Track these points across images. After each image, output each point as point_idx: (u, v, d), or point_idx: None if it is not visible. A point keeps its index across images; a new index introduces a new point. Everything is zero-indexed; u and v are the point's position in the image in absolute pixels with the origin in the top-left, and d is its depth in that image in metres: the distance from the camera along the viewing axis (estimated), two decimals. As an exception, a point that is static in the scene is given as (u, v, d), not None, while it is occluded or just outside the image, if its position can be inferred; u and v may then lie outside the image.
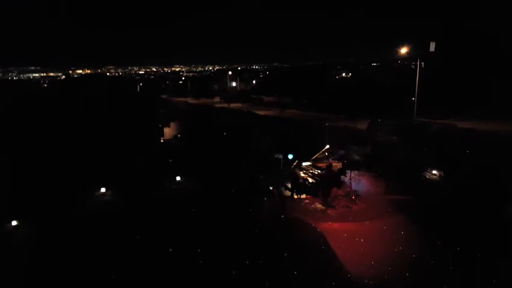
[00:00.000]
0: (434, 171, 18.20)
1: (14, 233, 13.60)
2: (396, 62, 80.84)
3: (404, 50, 37.38)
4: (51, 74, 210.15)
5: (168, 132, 32.29)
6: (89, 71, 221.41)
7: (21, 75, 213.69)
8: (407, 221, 13.73)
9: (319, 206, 15.47)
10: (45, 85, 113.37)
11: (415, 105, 33.56)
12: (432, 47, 41.92)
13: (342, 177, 16.60)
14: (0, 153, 23.39)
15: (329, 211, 15.02)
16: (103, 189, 17.24)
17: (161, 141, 30.20)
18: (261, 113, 45.56)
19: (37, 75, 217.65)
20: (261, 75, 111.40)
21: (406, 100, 36.27)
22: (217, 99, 67.58)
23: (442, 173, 17.95)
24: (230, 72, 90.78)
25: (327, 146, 18.19)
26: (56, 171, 20.11)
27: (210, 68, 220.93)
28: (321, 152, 18.08)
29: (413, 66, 46.23)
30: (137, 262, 11.30)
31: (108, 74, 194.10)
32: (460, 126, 27.47)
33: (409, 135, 24.30)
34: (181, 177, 18.84)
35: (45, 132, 30.30)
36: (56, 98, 55.48)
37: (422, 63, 36.69)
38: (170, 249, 12.00)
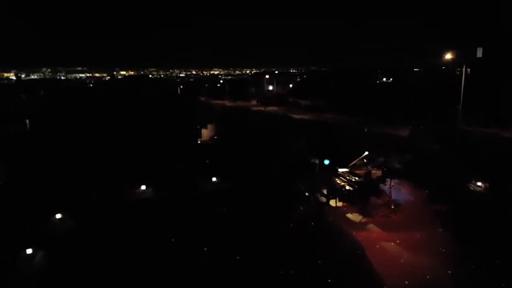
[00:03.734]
0: (479, 183, 17.37)
1: (58, 226, 14.25)
2: (439, 68, 78.04)
3: (448, 56, 36.12)
4: (97, 75, 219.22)
5: (205, 133, 32.76)
6: (132, 73, 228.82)
7: (69, 75, 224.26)
8: (448, 233, 13.23)
9: (356, 214, 15.17)
10: (91, 85, 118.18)
11: (459, 113, 32.31)
12: (479, 52, 40.21)
13: (381, 185, 16.19)
14: (50, 150, 24.66)
15: (366, 220, 14.69)
16: (143, 187, 17.76)
17: (199, 142, 30.71)
18: (297, 116, 45.32)
19: (83, 75, 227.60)
20: (298, 79, 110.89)
21: (450, 107, 34.96)
22: (253, 102, 67.80)
23: (487, 185, 17.11)
24: (267, 76, 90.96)
25: (366, 153, 17.78)
26: (100, 168, 20.93)
27: (248, 72, 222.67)
28: (359, 158, 17.70)
29: (458, 72, 44.52)
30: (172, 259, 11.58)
31: (150, 76, 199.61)
32: (506, 136, 26.14)
33: (453, 144, 23.41)
34: (217, 178, 19.08)
35: (93, 131, 31.64)
36: (102, 98, 57.72)
37: (468, 69, 35.25)
38: (205, 249, 12.19)
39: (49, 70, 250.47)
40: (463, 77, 33.14)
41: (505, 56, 38.56)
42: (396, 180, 16.70)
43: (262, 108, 56.60)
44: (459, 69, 43.38)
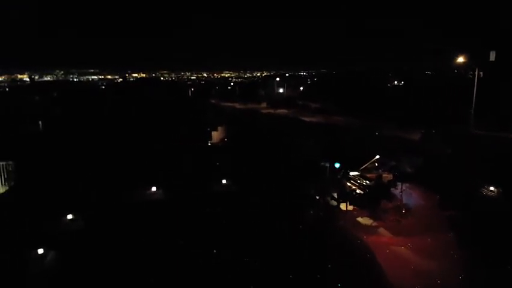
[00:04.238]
0: (492, 188, 17.14)
1: (69, 226, 14.40)
2: (451, 71, 77.33)
3: (460, 59, 35.78)
4: (109, 77, 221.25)
5: (216, 135, 32.85)
6: (144, 75, 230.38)
7: (81, 77, 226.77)
8: (459, 238, 13.07)
9: (367, 218, 15.07)
10: (103, 87, 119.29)
11: (472, 117, 31.95)
12: (492, 56, 39.69)
13: (392, 189, 16.08)
14: (60, 151, 24.96)
15: (376, 224, 14.58)
16: (153, 188, 17.89)
17: (209, 144, 30.81)
18: (307, 119, 45.26)
19: (96, 77, 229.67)
20: (309, 81, 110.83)
21: (462, 110, 34.60)
22: (263, 104, 67.89)
23: (500, 190, 16.87)
24: (278, 79, 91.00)
25: (377, 156, 17.70)
26: (111, 168, 21.11)
27: (258, 74, 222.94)
28: (370, 162, 17.61)
29: (471, 76, 44.07)
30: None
31: (162, 78, 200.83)
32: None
33: (465, 148, 23.14)
34: (226, 180, 19.12)
35: (105, 132, 31.98)
36: (114, 100, 58.29)
37: (481, 73, 34.84)
38: (215, 251, 12.23)
39: (62, 72, 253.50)
40: (476, 81, 32.76)
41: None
42: (407, 184, 16.57)
43: (272, 111, 56.63)
44: (471, 72, 42.95)
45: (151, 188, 17.88)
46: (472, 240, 12.78)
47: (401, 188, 15.84)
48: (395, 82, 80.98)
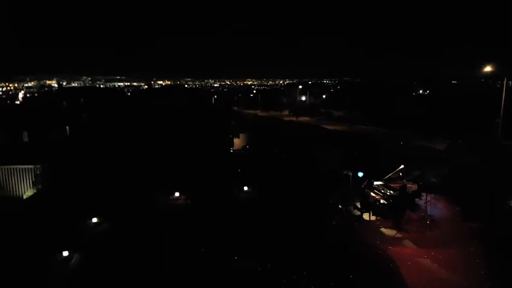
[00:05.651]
0: None
1: (94, 229, 14.74)
2: (479, 80, 75.59)
3: (488, 68, 34.90)
4: (135, 84, 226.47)
5: (238, 142, 33.07)
6: (169, 82, 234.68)
7: (108, 84, 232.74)
8: (485, 251, 12.69)
9: (390, 228, 14.83)
10: (129, 93, 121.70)
11: (499, 126, 31.05)
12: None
13: (416, 199, 15.77)
14: (86, 155, 25.56)
15: (400, 235, 14.31)
16: (176, 194, 18.13)
17: (231, 151, 31.00)
18: (330, 127, 45.07)
19: (122, 84, 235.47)
20: (332, 90, 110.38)
21: (489, 120, 33.75)
22: (285, 112, 68.10)
23: None
24: (300, 86, 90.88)
25: (402, 166, 17.40)
26: (135, 173, 21.49)
27: (281, 82, 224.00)
28: (394, 171, 17.33)
29: (499, 85, 42.95)
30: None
31: (186, 85, 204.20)
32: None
33: (492, 158, 22.52)
34: (248, 187, 19.20)
35: (127, 137, 32.54)
36: (138, 106, 59.26)
37: (510, 82, 33.87)
38: (236, 257, 12.28)
39: (89, 78, 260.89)
40: (504, 90, 31.87)
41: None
42: (432, 195, 16.22)
43: (294, 118, 56.62)
44: (499, 81, 41.88)
45: (174, 193, 18.15)
46: (498, 253, 12.42)
47: (426, 198, 15.52)
48: (420, 91, 79.65)
